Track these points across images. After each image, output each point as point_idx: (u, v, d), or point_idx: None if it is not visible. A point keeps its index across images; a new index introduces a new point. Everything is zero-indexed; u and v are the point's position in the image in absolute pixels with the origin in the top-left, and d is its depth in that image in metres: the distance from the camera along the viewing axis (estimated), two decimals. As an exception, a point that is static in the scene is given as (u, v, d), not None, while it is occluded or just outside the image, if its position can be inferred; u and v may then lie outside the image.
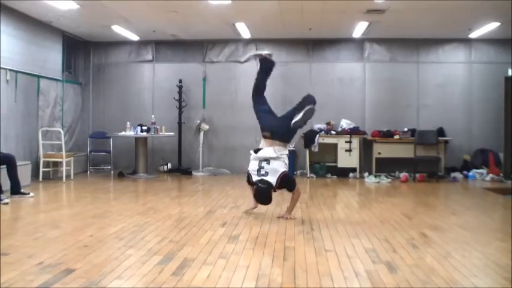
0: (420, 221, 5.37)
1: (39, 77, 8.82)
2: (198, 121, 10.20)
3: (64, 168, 8.65)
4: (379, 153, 9.56)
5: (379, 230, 4.88)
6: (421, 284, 3.20)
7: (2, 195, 6.19)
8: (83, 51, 10.70)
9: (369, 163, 9.72)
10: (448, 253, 3.99)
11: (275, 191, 5.32)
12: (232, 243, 4.28)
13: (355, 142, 9.59)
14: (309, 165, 9.71)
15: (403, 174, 9.32)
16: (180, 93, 10.30)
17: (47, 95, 9.14)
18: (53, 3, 7.49)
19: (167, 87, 10.47)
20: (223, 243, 4.29)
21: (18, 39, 8.14)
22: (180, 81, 10.32)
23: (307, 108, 5.26)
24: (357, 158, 9.58)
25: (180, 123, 10.30)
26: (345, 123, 9.86)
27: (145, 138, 9.67)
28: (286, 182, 5.32)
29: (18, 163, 6.92)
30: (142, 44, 10.57)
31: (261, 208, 5.68)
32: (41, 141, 8.61)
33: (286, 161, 5.35)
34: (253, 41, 10.33)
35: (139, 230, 4.77)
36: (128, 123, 9.63)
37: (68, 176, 8.77)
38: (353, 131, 9.68)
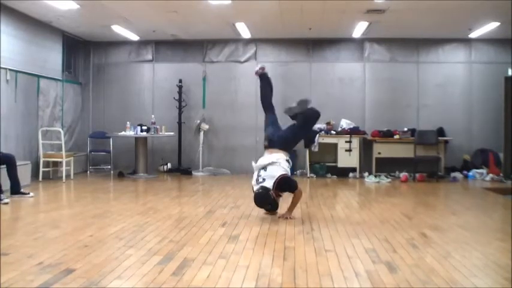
0: (420, 221, 5.37)
1: (39, 76, 8.82)
2: (198, 121, 10.21)
3: (64, 168, 8.65)
4: (379, 153, 9.57)
5: (379, 230, 4.88)
6: (421, 284, 3.20)
7: (2, 195, 6.19)
8: (83, 51, 10.70)
9: (368, 163, 9.72)
10: (448, 253, 3.99)
11: (280, 195, 5.34)
12: (232, 243, 4.28)
13: (355, 142, 9.59)
14: (309, 165, 9.71)
15: (403, 174, 9.32)
16: (180, 93, 10.30)
17: (47, 94, 9.14)
18: (53, 3, 7.49)
19: (167, 87, 10.47)
20: (223, 243, 4.29)
21: (18, 39, 8.14)
22: (180, 81, 10.32)
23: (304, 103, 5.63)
24: (356, 158, 9.59)
25: (180, 123, 10.30)
26: (345, 123, 9.86)
27: (145, 138, 9.67)
28: (286, 184, 5.32)
29: (18, 163, 6.92)
30: (142, 44, 10.57)
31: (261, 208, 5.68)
32: (40, 141, 8.61)
33: (285, 165, 5.37)
34: (253, 41, 10.34)
35: (139, 230, 4.77)
36: (128, 123, 9.63)
37: (67, 176, 8.78)
38: (353, 131, 9.68)
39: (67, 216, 5.67)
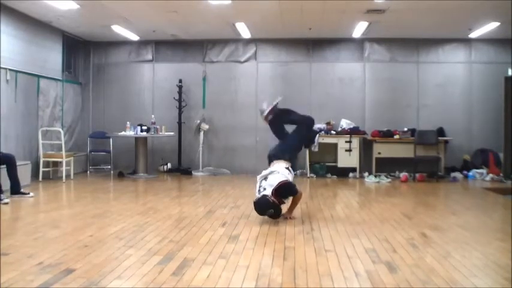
0: (420, 221, 5.37)
1: (39, 76, 8.82)
2: (198, 121, 10.20)
3: (64, 168, 8.65)
4: (379, 153, 9.57)
5: (379, 230, 4.88)
6: (421, 284, 3.20)
7: (2, 195, 6.19)
8: (83, 51, 10.70)
9: (368, 163, 9.72)
10: (448, 253, 3.99)
11: (283, 202, 5.33)
12: (232, 243, 4.28)
13: (355, 142, 9.59)
14: (309, 165, 9.71)
15: (403, 174, 9.33)
16: (180, 93, 10.30)
17: (47, 94, 9.14)
18: (53, 3, 7.49)
19: (167, 87, 10.47)
20: (223, 243, 4.29)
21: (18, 39, 8.14)
22: (180, 81, 10.32)
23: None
24: (356, 158, 9.59)
25: (180, 123, 10.30)
26: (345, 123, 9.86)
27: (145, 138, 9.67)
28: (286, 189, 5.31)
29: (18, 163, 6.92)
30: (142, 44, 10.57)
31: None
32: (40, 141, 8.61)
33: (284, 173, 5.39)
34: (253, 41, 10.33)
35: (139, 230, 4.77)
36: (128, 123, 9.63)
37: (67, 176, 8.78)
38: (353, 131, 9.68)
39: (67, 216, 5.67)
